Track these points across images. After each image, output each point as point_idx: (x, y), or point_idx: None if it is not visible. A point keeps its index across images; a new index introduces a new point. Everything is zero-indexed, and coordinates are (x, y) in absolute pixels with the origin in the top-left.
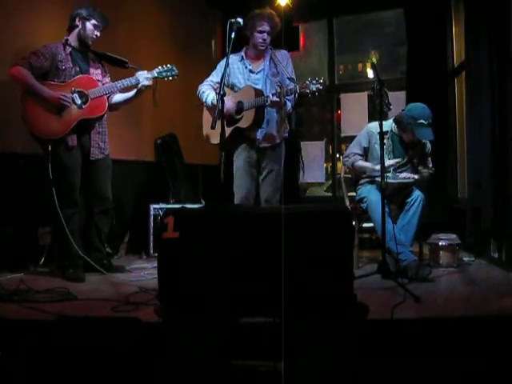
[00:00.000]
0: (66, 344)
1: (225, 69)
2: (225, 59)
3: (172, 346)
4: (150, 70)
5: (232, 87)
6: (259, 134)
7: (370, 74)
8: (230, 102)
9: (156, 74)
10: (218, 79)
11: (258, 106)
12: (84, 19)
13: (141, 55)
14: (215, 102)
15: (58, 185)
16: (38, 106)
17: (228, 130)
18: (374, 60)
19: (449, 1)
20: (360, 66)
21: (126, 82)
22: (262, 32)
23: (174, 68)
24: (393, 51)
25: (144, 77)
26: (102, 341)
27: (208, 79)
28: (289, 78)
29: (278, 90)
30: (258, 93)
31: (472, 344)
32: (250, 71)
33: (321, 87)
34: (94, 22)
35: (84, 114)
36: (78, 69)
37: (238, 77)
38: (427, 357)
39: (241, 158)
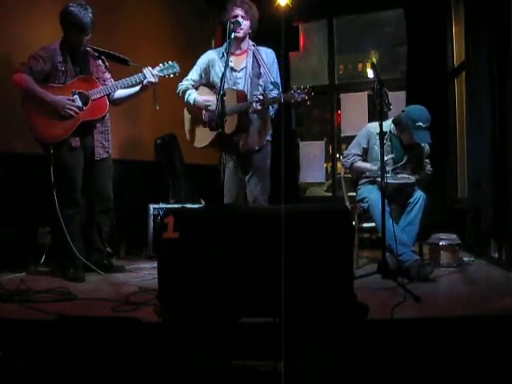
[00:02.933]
0: (66, 344)
1: (225, 69)
2: (204, 56)
3: (172, 345)
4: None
5: (213, 86)
6: (239, 139)
7: (370, 73)
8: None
9: (158, 73)
10: (198, 77)
11: (241, 112)
12: (67, 27)
13: (141, 55)
14: (196, 102)
15: (60, 185)
16: (40, 111)
17: (211, 134)
18: (374, 60)
19: (449, 1)
20: (360, 65)
21: (132, 79)
22: (234, 17)
23: (176, 65)
24: (393, 51)
25: (151, 73)
26: (102, 341)
27: (188, 77)
28: (272, 83)
29: (261, 98)
30: (240, 96)
31: (472, 344)
32: (232, 69)
33: (306, 97)
34: (76, 29)
35: (85, 116)
36: (78, 69)
37: (220, 75)
38: (427, 357)
39: (227, 162)
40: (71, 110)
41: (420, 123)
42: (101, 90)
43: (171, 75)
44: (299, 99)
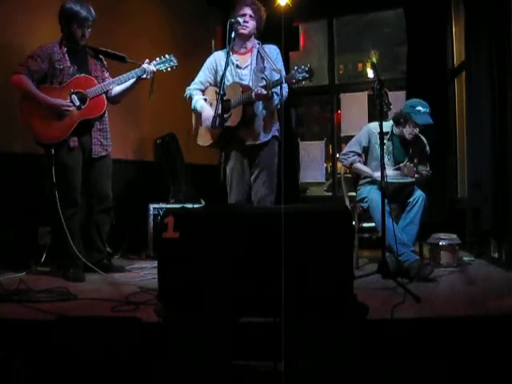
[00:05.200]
0: (66, 344)
1: (225, 69)
2: (211, 57)
3: (172, 345)
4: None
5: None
6: (244, 132)
7: (370, 73)
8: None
9: (155, 68)
10: (206, 78)
11: (246, 103)
12: (68, 22)
13: (141, 55)
14: (202, 112)
15: (60, 185)
16: (38, 113)
17: (218, 131)
18: (374, 60)
19: (449, 1)
20: (360, 65)
21: (129, 75)
22: (242, 16)
23: (173, 58)
24: (393, 51)
25: (149, 70)
26: (102, 341)
27: (195, 80)
28: (274, 70)
29: (265, 83)
30: (245, 88)
31: (472, 344)
32: (237, 66)
33: (307, 75)
34: (78, 23)
35: (83, 115)
36: (75, 67)
37: (226, 73)
38: (427, 357)
39: (233, 160)
40: (66, 109)
41: (419, 107)
42: (98, 88)
43: (169, 69)
44: (300, 77)
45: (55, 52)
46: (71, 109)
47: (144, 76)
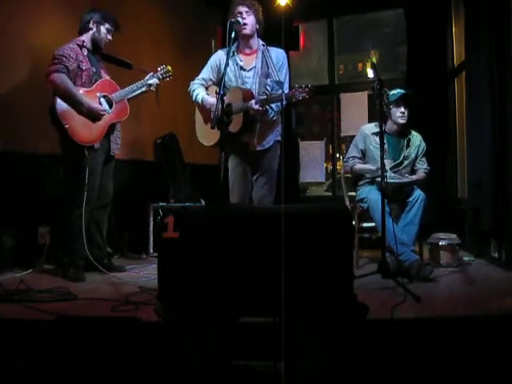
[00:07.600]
0: (66, 344)
1: (225, 69)
2: (215, 55)
3: (172, 345)
4: (150, 69)
5: (224, 85)
6: (246, 138)
7: (370, 73)
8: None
9: (160, 77)
10: (209, 76)
11: (246, 111)
12: (98, 23)
13: (142, 55)
14: (204, 102)
15: (81, 185)
16: (74, 114)
17: (219, 134)
18: (374, 60)
19: (449, 1)
20: (360, 65)
21: (144, 82)
22: (239, 14)
23: (170, 68)
24: (393, 51)
25: (154, 83)
26: (102, 341)
27: (199, 77)
28: (276, 82)
29: (264, 97)
30: (247, 95)
31: (472, 344)
32: (241, 68)
33: (307, 96)
34: (107, 26)
35: (113, 119)
36: (94, 70)
37: (229, 74)
38: (427, 357)
39: (234, 161)
40: (103, 115)
41: (393, 92)
42: (122, 93)
43: (167, 79)
44: (300, 97)
45: (79, 53)
46: (105, 113)
47: (151, 88)
